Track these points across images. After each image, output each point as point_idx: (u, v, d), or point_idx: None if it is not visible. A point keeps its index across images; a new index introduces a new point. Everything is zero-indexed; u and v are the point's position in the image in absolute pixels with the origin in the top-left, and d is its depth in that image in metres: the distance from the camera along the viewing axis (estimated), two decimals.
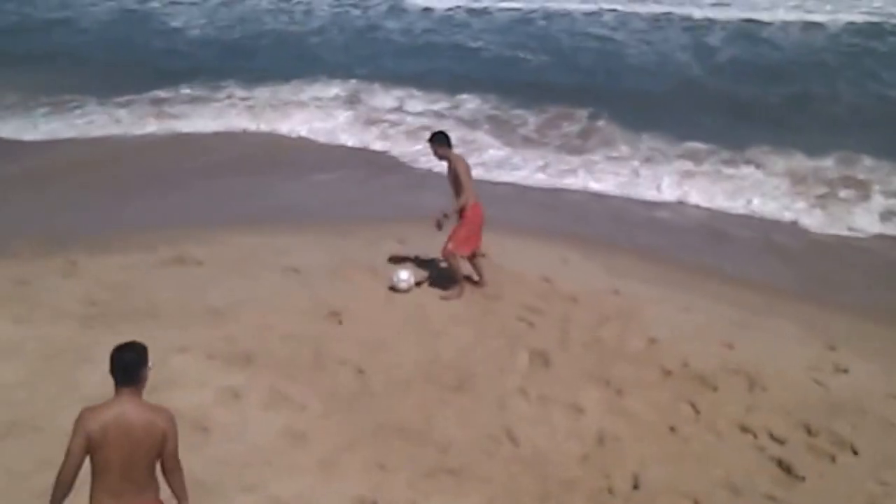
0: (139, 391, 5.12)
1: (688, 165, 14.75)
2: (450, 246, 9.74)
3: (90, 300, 9.90)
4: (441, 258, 10.04)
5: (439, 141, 9.77)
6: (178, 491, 5.34)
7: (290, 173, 14.96)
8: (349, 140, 16.82)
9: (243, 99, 18.97)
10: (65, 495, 5.01)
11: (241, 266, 10.88)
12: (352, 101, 18.96)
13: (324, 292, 10.11)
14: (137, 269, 10.76)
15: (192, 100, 19.08)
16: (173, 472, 5.26)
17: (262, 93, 19.34)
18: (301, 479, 7.05)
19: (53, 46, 24.75)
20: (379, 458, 7.28)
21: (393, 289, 10.08)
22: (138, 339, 5.56)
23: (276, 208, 13.12)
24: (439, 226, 9.66)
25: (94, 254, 11.17)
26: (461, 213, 9.67)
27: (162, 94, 19.50)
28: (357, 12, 29.20)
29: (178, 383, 8.05)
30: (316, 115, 17.99)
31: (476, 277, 10.22)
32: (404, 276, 10.09)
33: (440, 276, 10.33)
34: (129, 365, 5.07)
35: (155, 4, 30.45)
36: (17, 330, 9.20)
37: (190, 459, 6.89)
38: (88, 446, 4.95)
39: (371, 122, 17.62)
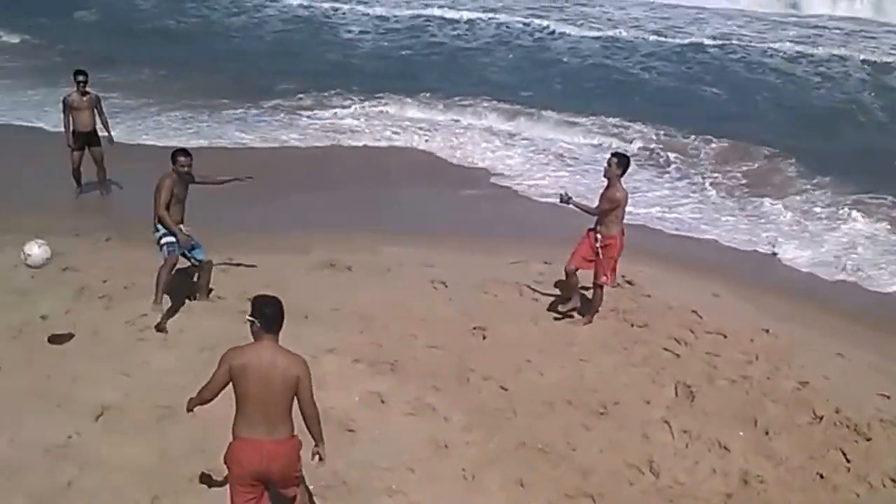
0: (277, 338, 5.72)
1: (854, 220, 13.98)
2: (609, 277, 9.69)
3: (245, 296, 10.25)
4: (593, 285, 9.94)
5: (622, 163, 9.52)
6: (313, 430, 5.89)
7: (441, 189, 15.11)
8: (504, 161, 16.79)
9: (408, 115, 19.32)
10: (200, 404, 6.00)
11: (389, 275, 11.15)
12: (511, 123, 18.88)
13: (469, 307, 10.25)
14: (291, 270, 11.10)
15: (360, 114, 19.46)
16: (309, 413, 5.79)
17: (423, 111, 19.56)
18: (442, 489, 7.17)
19: (228, 51, 25.83)
20: (519, 475, 7.32)
21: (27, 264, 9.05)
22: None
23: (425, 222, 13.30)
24: (564, 200, 9.61)
25: (250, 252, 11.57)
26: (613, 242, 9.60)
27: (327, 105, 20.02)
28: (519, 26, 29.35)
29: (326, 383, 8.24)
30: (473, 136, 18.08)
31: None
32: (36, 250, 8.93)
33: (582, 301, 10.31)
34: (274, 315, 5.72)
35: (325, 8, 31.45)
36: (176, 320, 9.71)
37: (335, 459, 7.15)
38: (229, 377, 5.66)
39: (528, 147, 17.57)
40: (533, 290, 10.71)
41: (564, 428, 7.98)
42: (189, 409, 6.17)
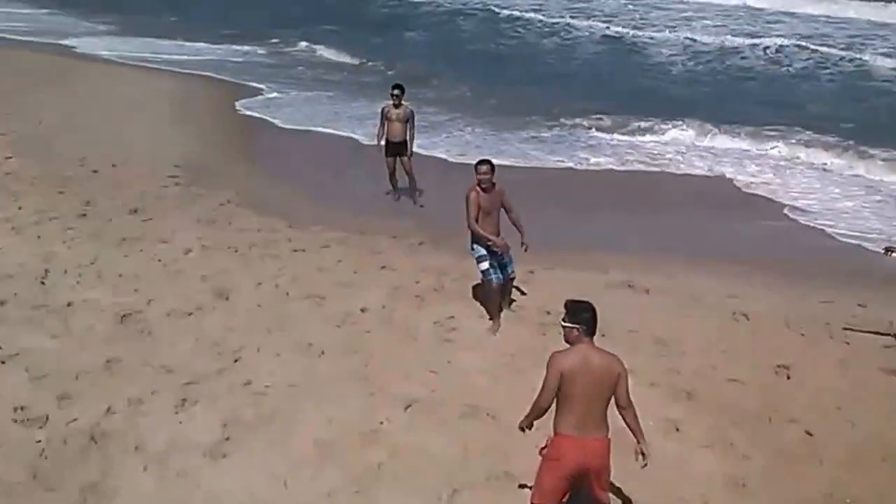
0: (593, 340, 6.10)
1: None
2: None
3: (545, 308, 10.49)
4: None
5: None
6: (633, 425, 6.22)
7: (745, 221, 14.59)
8: (819, 198, 15.90)
9: (713, 143, 19.03)
10: (538, 418, 6.24)
11: (688, 301, 10.94)
12: (827, 157, 17.93)
13: (773, 343, 9.83)
14: (589, 287, 11.06)
15: (661, 139, 19.43)
16: (627, 408, 6.16)
17: (729, 139, 19.14)
18: None
19: (538, 71, 26.85)
20: None
21: None
22: None
23: (727, 252, 12.85)
24: None
25: (551, 267, 11.85)
26: None
27: (628, 128, 20.12)
28: (837, 53, 27.82)
29: None
30: (782, 168, 17.46)
31: None
32: None
33: None
34: (591, 318, 6.12)
35: (634, 32, 31.55)
36: (480, 325, 10.13)
37: (626, 480, 7.12)
38: (560, 381, 5.97)
39: (846, 184, 16.64)
40: (846, 333, 10.07)
41: (876, 485, 7.42)
42: (524, 428, 6.39)
